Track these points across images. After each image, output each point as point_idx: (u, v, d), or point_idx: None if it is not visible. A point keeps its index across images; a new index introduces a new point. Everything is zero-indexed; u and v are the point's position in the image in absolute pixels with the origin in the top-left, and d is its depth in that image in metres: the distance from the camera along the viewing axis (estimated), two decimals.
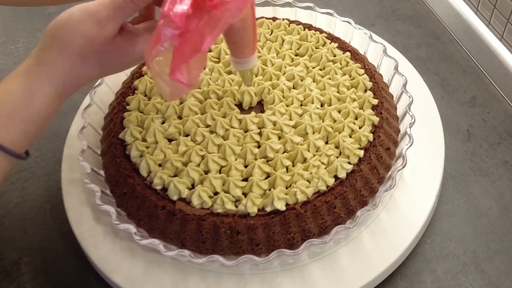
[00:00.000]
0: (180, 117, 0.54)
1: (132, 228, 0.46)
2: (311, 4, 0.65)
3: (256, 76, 0.58)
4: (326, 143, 0.52)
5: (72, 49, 0.40)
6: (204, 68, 0.58)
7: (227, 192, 0.48)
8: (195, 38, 0.37)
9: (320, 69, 0.59)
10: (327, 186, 0.49)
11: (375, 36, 0.64)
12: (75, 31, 0.40)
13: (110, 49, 0.41)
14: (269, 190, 0.48)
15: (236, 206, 0.47)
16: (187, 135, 0.52)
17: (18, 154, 0.41)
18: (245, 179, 0.49)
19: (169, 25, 0.36)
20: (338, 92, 0.56)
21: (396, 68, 0.58)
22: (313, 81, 0.57)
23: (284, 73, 0.58)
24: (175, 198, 0.48)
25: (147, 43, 0.38)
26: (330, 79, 0.58)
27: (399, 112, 0.58)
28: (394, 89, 0.60)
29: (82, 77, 0.42)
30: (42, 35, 0.41)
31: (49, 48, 0.41)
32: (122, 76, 0.61)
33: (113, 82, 0.60)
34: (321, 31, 0.63)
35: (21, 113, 0.40)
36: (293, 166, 0.50)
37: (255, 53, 0.49)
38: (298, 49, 0.61)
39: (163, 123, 0.54)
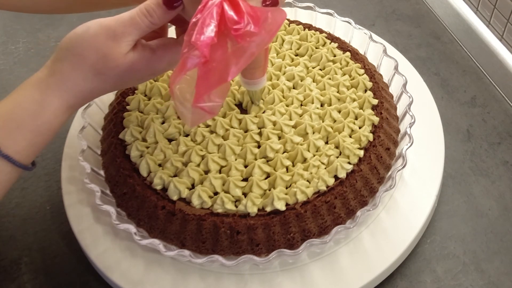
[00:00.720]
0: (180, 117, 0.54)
1: (132, 228, 0.46)
2: (311, 4, 0.65)
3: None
4: (326, 143, 0.52)
5: (85, 63, 0.41)
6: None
7: (227, 192, 0.48)
8: (220, 68, 0.37)
9: (320, 69, 0.59)
10: (327, 186, 0.49)
11: (375, 36, 0.64)
12: (90, 45, 0.40)
13: (123, 65, 0.41)
14: (269, 190, 0.48)
15: (236, 206, 0.47)
16: (187, 135, 0.53)
17: (25, 165, 0.41)
18: (245, 179, 0.49)
19: (194, 53, 0.36)
20: (338, 92, 0.56)
21: (396, 68, 0.58)
22: (313, 81, 0.57)
23: (284, 73, 0.58)
24: (175, 198, 0.48)
25: (172, 71, 0.38)
26: (330, 79, 0.58)
27: (399, 112, 0.58)
28: (394, 89, 0.60)
29: (93, 90, 0.42)
30: (57, 47, 0.42)
31: (63, 60, 0.41)
32: None
33: None
34: (321, 31, 0.63)
35: (30, 124, 0.40)
36: (293, 166, 0.50)
37: (265, 75, 0.49)
38: (298, 49, 0.61)
39: (163, 123, 0.54)
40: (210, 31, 0.36)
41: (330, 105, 0.55)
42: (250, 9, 0.37)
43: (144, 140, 0.52)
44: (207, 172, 0.49)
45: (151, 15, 0.41)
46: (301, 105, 0.55)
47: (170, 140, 0.52)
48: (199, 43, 0.36)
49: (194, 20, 0.37)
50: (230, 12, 0.37)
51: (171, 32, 0.50)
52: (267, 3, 0.40)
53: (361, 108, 0.55)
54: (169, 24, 0.48)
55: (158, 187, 0.49)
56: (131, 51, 0.41)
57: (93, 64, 0.41)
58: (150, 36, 0.45)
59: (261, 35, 0.37)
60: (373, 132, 0.53)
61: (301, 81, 0.57)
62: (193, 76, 0.37)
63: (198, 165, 0.50)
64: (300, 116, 0.54)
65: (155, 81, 0.57)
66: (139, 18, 0.41)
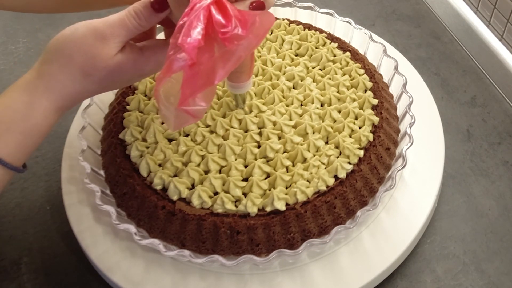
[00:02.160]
0: None
1: (132, 228, 0.46)
2: (311, 4, 0.65)
3: (256, 76, 0.58)
4: (326, 143, 0.52)
5: (73, 64, 0.41)
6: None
7: (227, 192, 0.48)
8: (206, 71, 0.37)
9: (320, 69, 0.59)
10: (327, 186, 0.49)
11: (375, 36, 0.64)
12: (78, 46, 0.40)
13: (112, 66, 0.41)
14: (269, 190, 0.48)
15: (236, 206, 0.47)
16: (187, 135, 0.53)
17: (16, 167, 0.41)
18: (245, 179, 0.49)
19: (180, 56, 0.36)
20: (338, 92, 0.56)
21: (396, 68, 0.58)
22: (313, 81, 0.57)
23: (284, 73, 0.58)
24: (175, 198, 0.48)
25: (158, 73, 0.38)
26: (330, 79, 0.58)
27: (399, 112, 0.58)
28: (394, 89, 0.60)
29: (82, 92, 0.42)
30: (45, 49, 0.42)
31: (51, 62, 0.41)
32: None
33: None
34: (321, 31, 0.63)
35: (20, 126, 0.40)
36: (293, 166, 0.50)
37: (251, 79, 0.49)
38: (298, 49, 0.61)
39: (163, 123, 0.54)
40: (197, 33, 0.36)
41: (330, 105, 0.55)
42: (237, 13, 0.37)
43: (144, 140, 0.52)
44: (207, 172, 0.49)
45: (139, 17, 0.41)
46: (301, 105, 0.55)
47: (170, 140, 0.52)
48: (185, 45, 0.35)
49: (181, 22, 0.36)
50: (218, 16, 0.36)
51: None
52: (253, 5, 0.40)
53: (361, 108, 0.55)
54: (158, 25, 0.48)
55: (158, 187, 0.49)
56: (119, 52, 0.42)
57: (82, 65, 0.41)
58: (138, 38, 0.45)
59: (248, 39, 0.37)
60: (373, 132, 0.53)
61: (301, 81, 0.57)
62: (178, 79, 0.37)
63: (198, 165, 0.50)
64: (300, 116, 0.54)
65: (155, 81, 0.57)
66: (127, 20, 0.41)
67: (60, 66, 0.41)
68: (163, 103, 0.38)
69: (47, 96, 0.41)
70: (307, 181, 0.48)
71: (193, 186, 0.49)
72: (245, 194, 0.48)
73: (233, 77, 0.49)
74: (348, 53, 0.60)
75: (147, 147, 0.51)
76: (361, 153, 0.51)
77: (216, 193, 0.48)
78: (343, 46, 0.62)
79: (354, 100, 0.55)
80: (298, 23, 0.64)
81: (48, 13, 0.80)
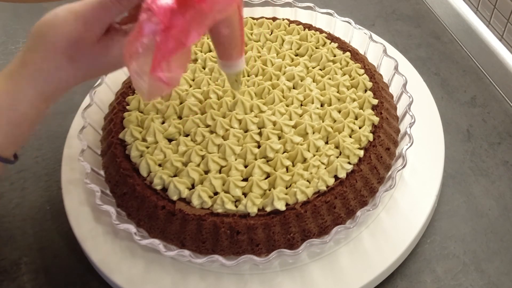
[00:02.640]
0: (180, 117, 0.54)
1: (132, 228, 0.46)
2: (311, 4, 0.65)
3: (256, 76, 0.58)
4: (326, 143, 0.52)
5: (57, 50, 0.40)
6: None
7: (227, 192, 0.48)
8: (179, 34, 0.36)
9: (320, 69, 0.59)
10: (327, 186, 0.49)
11: (375, 36, 0.64)
12: (61, 31, 0.39)
13: (96, 50, 0.40)
14: (269, 190, 0.48)
15: (236, 206, 0.47)
16: (187, 135, 0.53)
17: (6, 158, 0.40)
18: (245, 179, 0.49)
19: (152, 19, 0.34)
20: (338, 92, 0.56)
21: (396, 68, 0.58)
22: (313, 81, 0.57)
23: (284, 73, 0.58)
24: (175, 198, 0.48)
25: (127, 38, 0.37)
26: (330, 79, 0.58)
27: (399, 112, 0.58)
28: (394, 89, 0.60)
29: (68, 79, 0.41)
30: (28, 36, 0.41)
31: (34, 50, 0.40)
32: (122, 76, 0.61)
33: (113, 82, 0.60)
34: (321, 31, 0.63)
35: (6, 116, 0.39)
36: (293, 166, 0.50)
37: (243, 56, 0.48)
38: (298, 49, 0.61)
39: (163, 123, 0.54)
40: None
41: (330, 105, 0.55)
42: None
43: (144, 140, 0.52)
44: (207, 172, 0.49)
45: None
46: (301, 105, 0.55)
47: (170, 140, 0.52)
48: (155, 8, 0.34)
49: None
50: None
51: None
52: None
53: (361, 108, 0.55)
54: None
55: (158, 187, 0.49)
56: (104, 36, 0.41)
57: (65, 51, 0.40)
58: (126, 20, 0.44)
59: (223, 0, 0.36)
60: (373, 132, 0.53)
61: (301, 81, 0.57)
62: (151, 46, 0.35)
63: (198, 165, 0.50)
64: (300, 116, 0.54)
65: None
66: (108, 1, 0.40)
67: (44, 53, 0.40)
68: (136, 71, 0.36)
69: (32, 85, 0.40)
70: (307, 181, 0.48)
71: (193, 186, 0.49)
72: (245, 194, 0.48)
73: (223, 54, 0.47)
74: (348, 53, 0.60)
75: (147, 147, 0.51)
76: (361, 153, 0.51)
77: (216, 193, 0.48)
78: (343, 46, 0.62)
79: (354, 100, 0.55)
80: (298, 23, 0.64)
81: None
